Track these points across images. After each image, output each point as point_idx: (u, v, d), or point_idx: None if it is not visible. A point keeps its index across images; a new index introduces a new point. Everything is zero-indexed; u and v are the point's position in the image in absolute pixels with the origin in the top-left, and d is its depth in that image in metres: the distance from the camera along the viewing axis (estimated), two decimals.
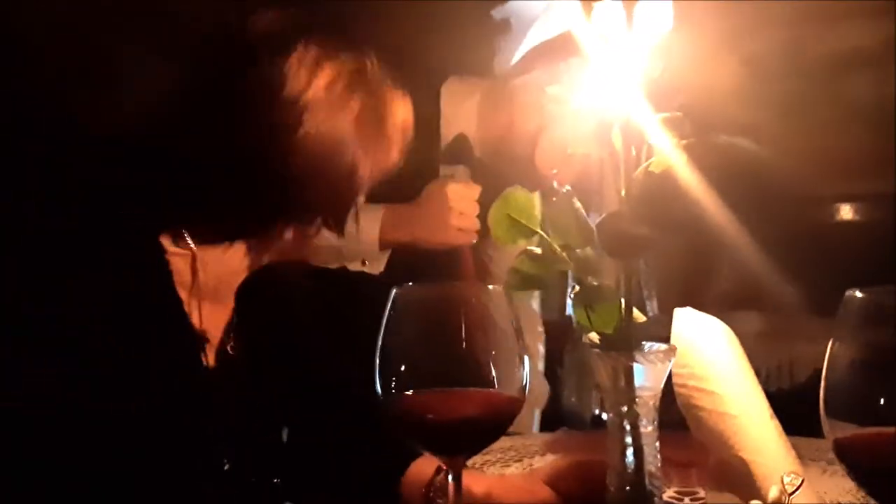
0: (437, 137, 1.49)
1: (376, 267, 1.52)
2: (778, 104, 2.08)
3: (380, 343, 0.69)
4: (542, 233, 0.66)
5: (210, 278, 0.80)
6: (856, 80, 2.24)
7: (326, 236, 1.49)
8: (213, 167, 0.77)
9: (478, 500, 0.86)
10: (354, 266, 1.50)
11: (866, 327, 0.53)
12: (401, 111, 0.82)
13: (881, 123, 2.09)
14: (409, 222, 1.46)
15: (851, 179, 2.22)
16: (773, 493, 0.65)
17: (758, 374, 1.75)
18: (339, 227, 0.81)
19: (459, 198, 1.38)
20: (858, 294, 0.53)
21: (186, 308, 0.78)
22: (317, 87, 0.76)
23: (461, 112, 1.49)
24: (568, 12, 0.68)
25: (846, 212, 2.25)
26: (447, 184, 1.44)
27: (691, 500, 0.95)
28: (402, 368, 0.68)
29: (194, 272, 0.78)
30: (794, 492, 0.69)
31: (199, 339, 0.79)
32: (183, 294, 0.78)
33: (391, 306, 0.70)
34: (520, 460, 1.12)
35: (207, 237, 0.79)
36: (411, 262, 1.44)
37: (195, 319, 0.79)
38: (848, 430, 0.54)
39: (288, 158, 0.75)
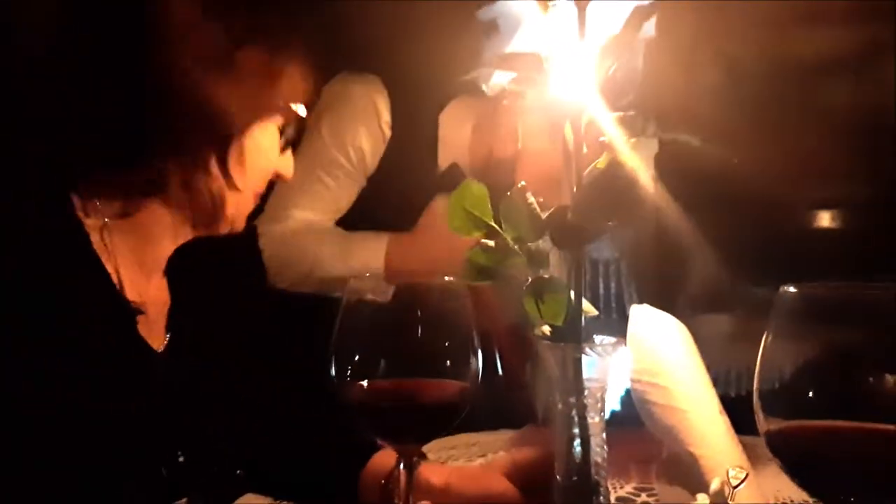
0: (434, 165, 1.49)
1: (383, 297, 1.53)
2: (754, 107, 2.10)
3: (335, 332, 0.70)
4: (495, 225, 0.68)
5: (128, 249, 0.81)
6: (833, 85, 2.26)
7: (328, 266, 1.47)
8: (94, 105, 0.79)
9: (437, 490, 0.87)
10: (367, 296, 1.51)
11: (798, 322, 0.55)
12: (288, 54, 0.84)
13: (857, 130, 2.11)
14: (412, 253, 1.45)
15: (827, 185, 2.25)
16: (714, 485, 0.67)
17: (727, 376, 1.76)
18: (221, 165, 0.82)
19: None
20: (791, 289, 0.55)
21: (114, 281, 0.79)
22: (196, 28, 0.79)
23: (458, 138, 1.49)
24: (525, 12, 0.69)
25: (821, 218, 2.27)
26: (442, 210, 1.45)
27: (647, 495, 0.97)
28: (357, 358, 0.69)
29: (107, 243, 0.79)
30: (738, 485, 0.70)
31: (132, 312, 0.80)
32: (108, 267, 0.79)
33: (347, 297, 0.71)
34: (483, 455, 1.14)
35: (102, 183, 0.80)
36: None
37: (126, 293, 0.80)
38: (780, 423, 0.55)
39: (166, 91, 0.77)
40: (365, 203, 1.54)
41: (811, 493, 0.56)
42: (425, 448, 0.97)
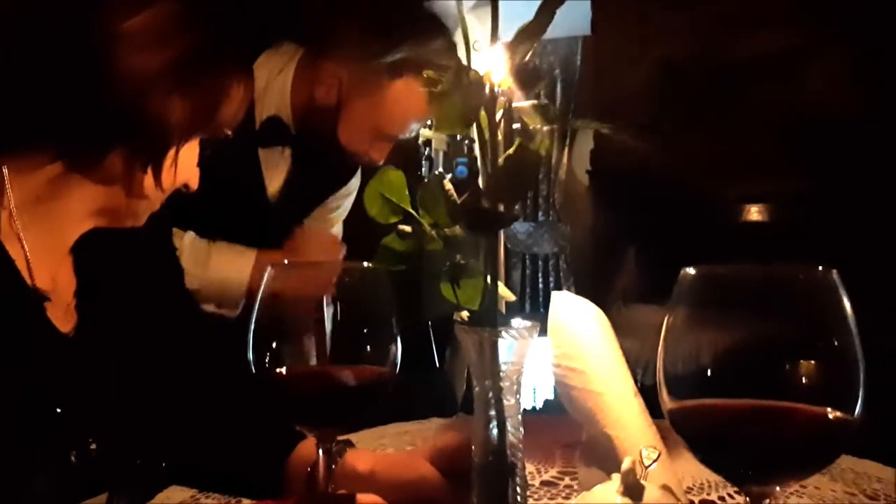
0: (252, 119, 1.44)
1: (232, 312, 1.47)
2: (689, 106, 2.15)
3: (253, 319, 0.70)
4: (413, 211, 0.69)
5: (38, 234, 0.80)
6: (764, 85, 2.34)
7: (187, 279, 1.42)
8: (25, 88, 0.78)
9: (362, 477, 0.87)
10: (208, 307, 1.45)
11: (699, 302, 0.56)
12: (238, 76, 0.85)
13: (787, 128, 2.18)
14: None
15: (758, 181, 2.32)
16: (625, 464, 0.68)
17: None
18: (155, 173, 0.82)
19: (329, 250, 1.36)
20: (691, 270, 0.57)
21: (21, 268, 0.78)
22: (140, 17, 0.78)
23: (274, 87, 1.45)
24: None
25: (752, 212, 2.34)
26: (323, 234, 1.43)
27: (570, 479, 0.99)
28: (275, 345, 0.69)
29: (15, 228, 0.78)
30: (650, 465, 0.72)
31: (38, 297, 0.79)
32: (14, 252, 0.78)
33: (266, 283, 0.71)
34: (413, 444, 1.14)
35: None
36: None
37: (35, 278, 0.79)
38: (683, 402, 0.57)
39: (98, 83, 0.77)
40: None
41: (712, 468, 0.57)
42: (355, 438, 0.98)
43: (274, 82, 1.45)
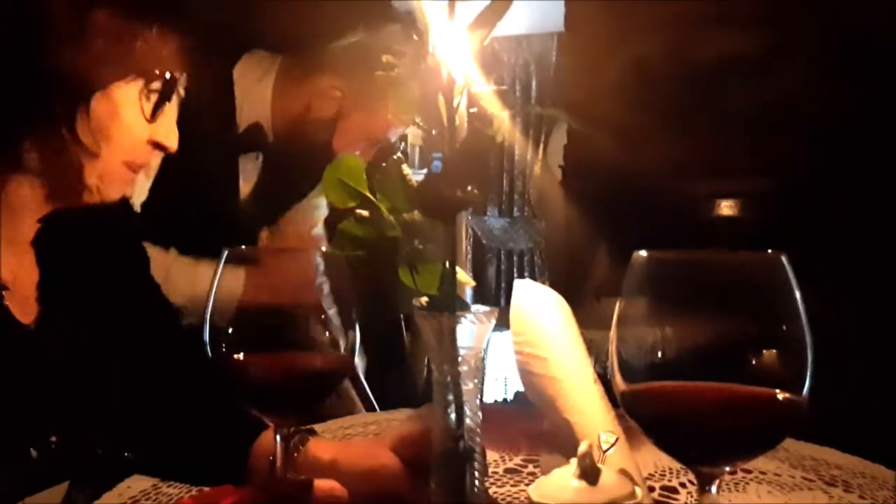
0: (233, 125, 1.43)
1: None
2: (662, 104, 2.17)
3: (210, 304, 0.69)
4: (371, 196, 0.68)
5: None
6: (736, 84, 2.36)
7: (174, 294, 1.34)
8: None
9: (324, 465, 0.87)
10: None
11: (649, 286, 0.57)
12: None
13: (758, 127, 2.20)
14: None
15: (730, 178, 2.34)
16: (581, 448, 0.69)
17: None
18: (72, 135, 0.79)
19: None
20: (643, 254, 0.57)
21: None
22: None
23: (255, 94, 1.44)
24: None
25: (722, 208, 2.36)
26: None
27: (534, 466, 1.00)
28: (231, 330, 0.69)
29: None
30: (608, 449, 0.72)
31: None
32: None
33: (223, 266, 0.70)
34: (379, 434, 1.14)
35: None
36: None
37: None
38: (634, 385, 0.57)
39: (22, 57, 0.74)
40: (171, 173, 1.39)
41: (663, 449, 0.58)
42: (321, 428, 0.97)
43: (253, 90, 1.44)
